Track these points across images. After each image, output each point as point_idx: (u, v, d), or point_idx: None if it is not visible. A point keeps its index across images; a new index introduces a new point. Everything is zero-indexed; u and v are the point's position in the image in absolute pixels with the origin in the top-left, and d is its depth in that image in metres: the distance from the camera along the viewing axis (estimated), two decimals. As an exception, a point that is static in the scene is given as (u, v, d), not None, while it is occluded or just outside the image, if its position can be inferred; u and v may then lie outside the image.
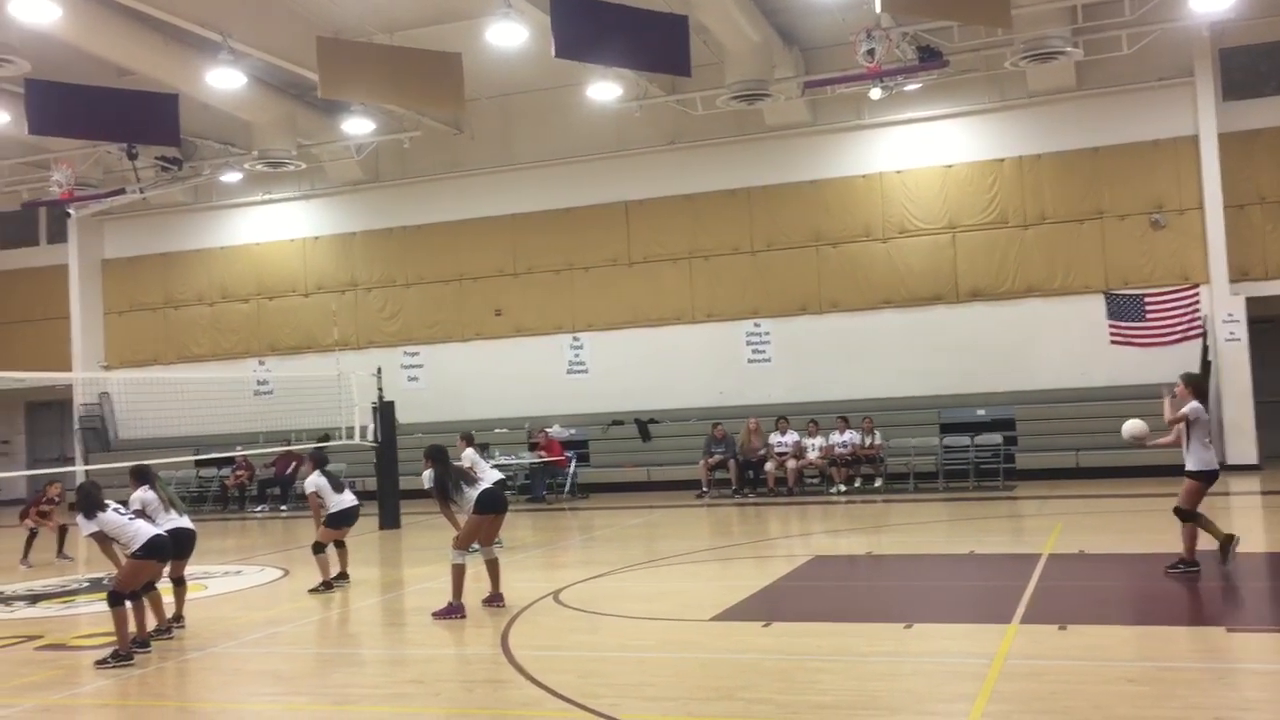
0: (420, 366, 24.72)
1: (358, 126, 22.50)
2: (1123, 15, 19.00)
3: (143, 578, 8.97)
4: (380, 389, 18.75)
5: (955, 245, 21.49)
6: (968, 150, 21.55)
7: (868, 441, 19.81)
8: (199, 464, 23.98)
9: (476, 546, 10.24)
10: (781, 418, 20.54)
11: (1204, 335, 19.34)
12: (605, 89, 20.69)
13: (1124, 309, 19.88)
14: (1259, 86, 20.45)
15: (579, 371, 23.70)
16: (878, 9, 15.59)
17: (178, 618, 9.85)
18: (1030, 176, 21.14)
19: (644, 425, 22.47)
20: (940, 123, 21.65)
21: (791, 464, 19.82)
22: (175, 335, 26.81)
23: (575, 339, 23.74)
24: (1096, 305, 19.90)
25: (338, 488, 11.89)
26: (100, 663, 8.54)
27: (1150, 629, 8.54)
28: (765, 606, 9.90)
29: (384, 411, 18.46)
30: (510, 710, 7.02)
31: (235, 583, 12.96)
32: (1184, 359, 17.44)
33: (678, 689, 7.16)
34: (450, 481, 10.05)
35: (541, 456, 21.18)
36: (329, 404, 19.55)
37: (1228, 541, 10.12)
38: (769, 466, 19.92)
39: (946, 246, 21.53)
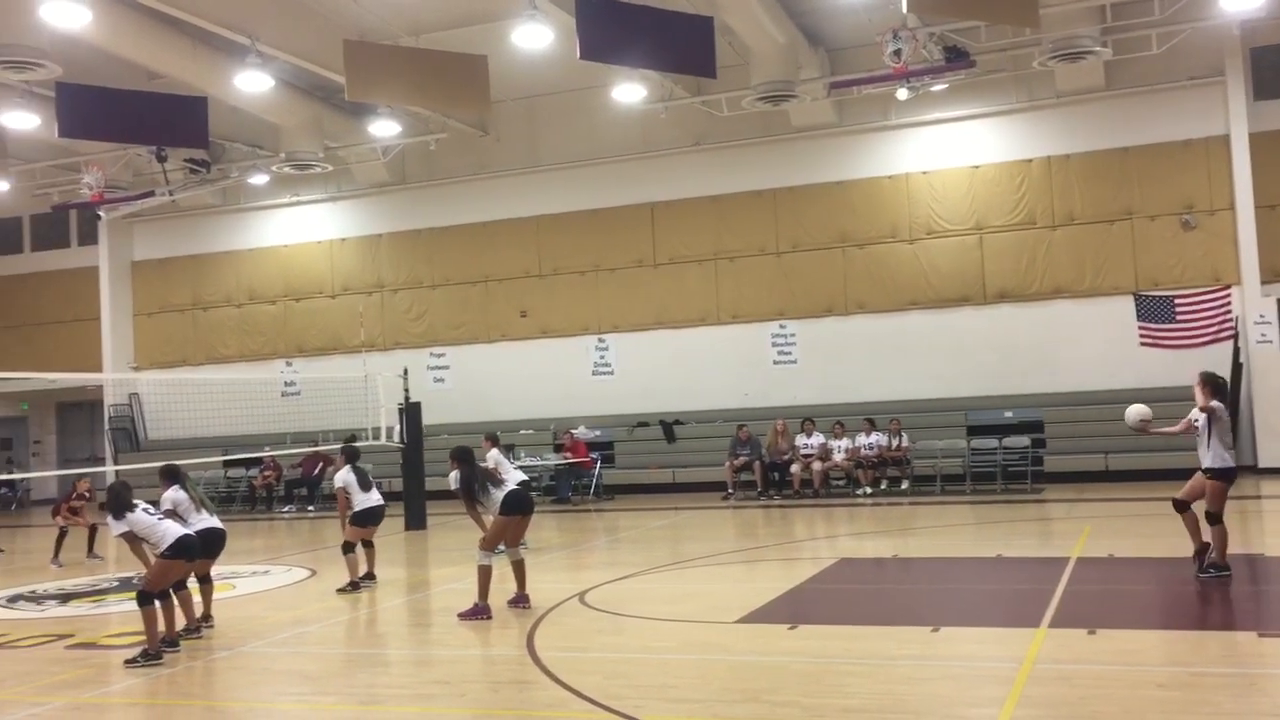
0: (446, 368, 24.81)
1: (384, 129, 22.60)
2: (1152, 14, 18.85)
3: (171, 577, 9.04)
4: (406, 390, 18.83)
5: (982, 246, 21.37)
6: (995, 151, 21.43)
7: (895, 443, 19.73)
8: (227, 464, 24.17)
9: (502, 548, 10.25)
10: (807, 419, 20.48)
11: (1235, 337, 19.15)
12: (630, 90, 20.68)
13: (1154, 310, 19.73)
14: (1291, 86, 20.27)
15: (604, 373, 23.72)
16: (904, 9, 15.52)
17: (206, 617, 9.92)
18: (1059, 177, 20.99)
19: (669, 427, 22.46)
20: (967, 123, 21.54)
21: (817, 466, 19.76)
22: (204, 336, 27.01)
23: (600, 340, 23.75)
24: (1126, 307, 19.73)
25: (365, 486, 11.95)
26: (130, 662, 8.61)
27: (1180, 633, 8.46)
28: (791, 609, 9.87)
29: (410, 412, 18.54)
30: (535, 711, 7.02)
31: (263, 583, 13.03)
32: (1215, 361, 17.26)
33: (703, 691, 7.15)
34: (476, 483, 10.05)
35: (567, 458, 21.22)
36: (356, 405, 19.66)
37: (1204, 549, 10.00)
38: (794, 468, 19.87)
39: (974, 247, 21.41)
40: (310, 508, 22.42)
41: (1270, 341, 19.55)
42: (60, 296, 28.03)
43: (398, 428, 18.51)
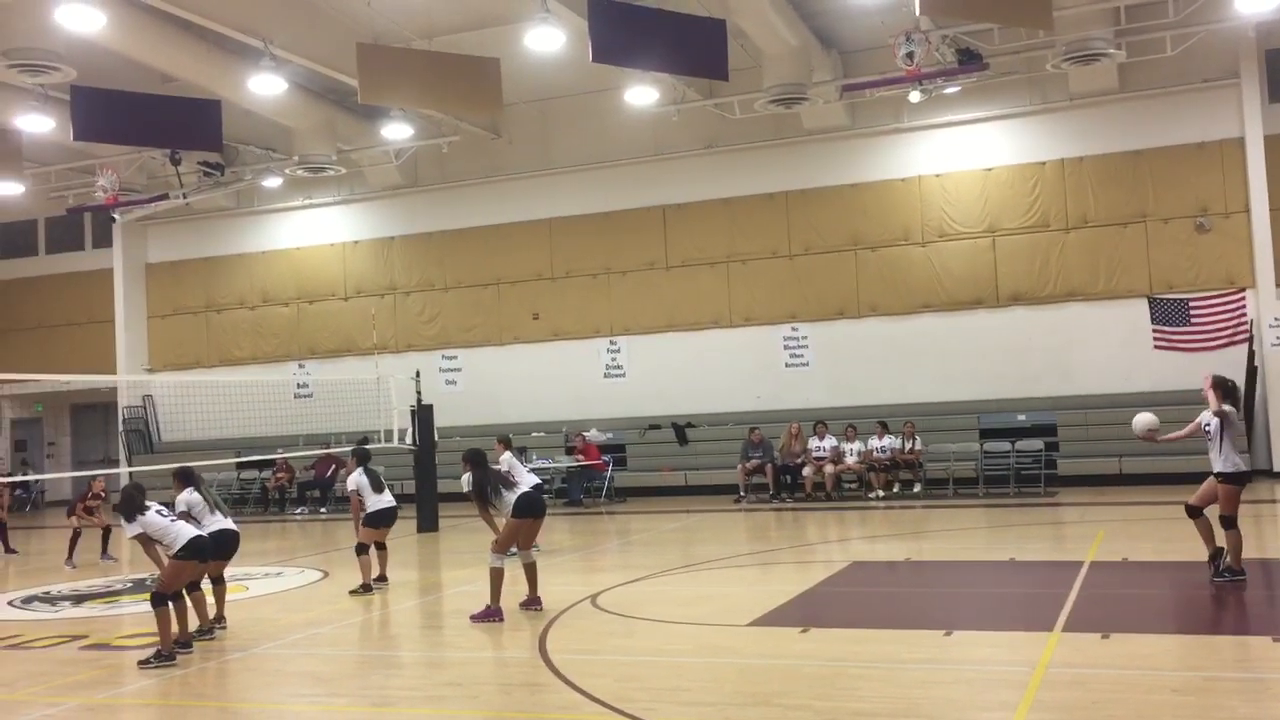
0: (458, 370, 24.85)
1: (397, 132, 22.64)
2: (1166, 16, 18.76)
3: (184, 578, 9.08)
4: (419, 392, 18.86)
5: (995, 249, 21.31)
6: (1008, 153, 21.37)
7: (908, 446, 19.68)
8: (240, 466, 24.25)
9: (515, 550, 10.26)
10: (820, 422, 20.45)
11: (1250, 340, 19.06)
12: (643, 93, 20.68)
13: (1168, 313, 19.65)
14: (1307, 88, 20.17)
15: (616, 375, 23.72)
16: (917, 11, 15.48)
17: (219, 618, 9.95)
18: (1072, 179, 20.92)
19: (681, 429, 22.45)
20: (980, 126, 21.49)
21: (829, 469, 19.73)
22: (217, 338, 27.11)
23: (612, 343, 23.76)
24: (1140, 310, 19.65)
25: (377, 488, 11.98)
26: (143, 663, 8.64)
27: (1195, 638, 8.42)
28: (803, 612, 9.84)
29: (422, 415, 18.56)
30: (547, 714, 7.02)
31: (276, 584, 13.06)
32: (1229, 364, 17.21)
33: (715, 694, 7.14)
34: (489, 485, 10.06)
35: (579, 460, 21.22)
36: (368, 407, 19.68)
37: (1218, 554, 9.95)
38: (807, 471, 19.84)
39: (986, 250, 21.36)
40: (323, 510, 22.49)
41: (1285, 344, 19.48)
42: (75, 299, 28.16)
43: (410, 430, 18.53)
